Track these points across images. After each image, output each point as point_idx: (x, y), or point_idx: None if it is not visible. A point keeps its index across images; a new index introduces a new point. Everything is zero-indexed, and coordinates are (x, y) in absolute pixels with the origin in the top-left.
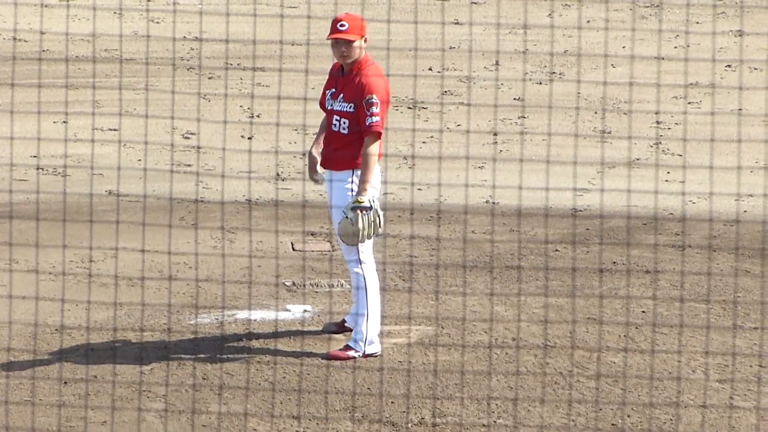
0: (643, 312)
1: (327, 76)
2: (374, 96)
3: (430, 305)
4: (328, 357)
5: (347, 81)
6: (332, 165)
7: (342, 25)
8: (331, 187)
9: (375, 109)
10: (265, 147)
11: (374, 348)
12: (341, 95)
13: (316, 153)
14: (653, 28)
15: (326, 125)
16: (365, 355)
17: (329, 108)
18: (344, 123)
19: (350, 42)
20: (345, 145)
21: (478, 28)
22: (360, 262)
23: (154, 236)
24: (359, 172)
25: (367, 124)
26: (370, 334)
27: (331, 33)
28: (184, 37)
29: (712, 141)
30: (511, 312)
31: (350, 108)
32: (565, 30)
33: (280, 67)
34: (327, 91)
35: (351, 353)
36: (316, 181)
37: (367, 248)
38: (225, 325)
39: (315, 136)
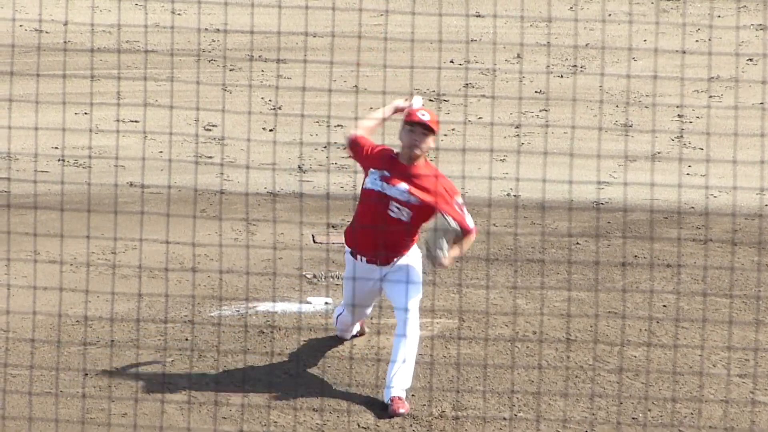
0: (665, 306)
1: (370, 148)
2: (460, 196)
3: (453, 298)
4: (393, 412)
5: (411, 172)
6: (395, 254)
7: (423, 114)
8: (389, 281)
9: (466, 209)
10: (287, 139)
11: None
12: (402, 185)
13: None
14: (675, 22)
15: (366, 211)
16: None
17: (378, 190)
18: (405, 212)
19: (431, 132)
20: (405, 231)
21: (500, 21)
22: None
23: (176, 228)
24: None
25: (471, 226)
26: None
27: (412, 116)
28: (206, 28)
29: (735, 135)
30: (533, 305)
31: (416, 201)
32: (587, 23)
33: (305, 58)
34: (374, 169)
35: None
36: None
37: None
38: (247, 317)
39: (373, 119)
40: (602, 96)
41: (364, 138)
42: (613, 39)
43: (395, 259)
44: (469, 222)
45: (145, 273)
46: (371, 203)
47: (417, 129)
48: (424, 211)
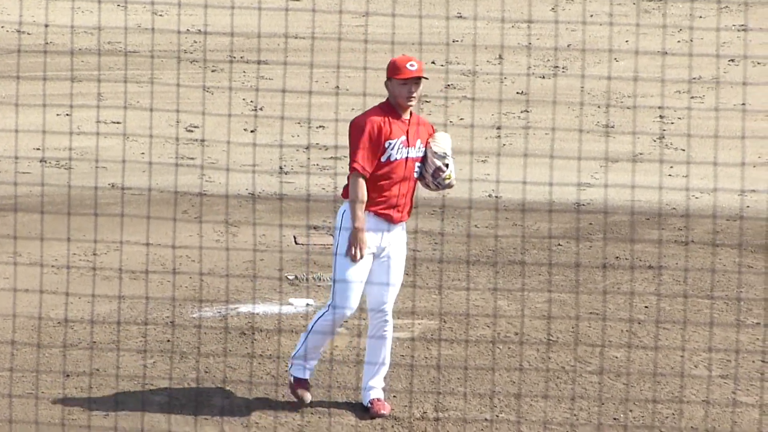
0: (646, 307)
1: (372, 130)
2: None
3: (433, 300)
4: (376, 413)
5: (413, 125)
6: (406, 216)
7: (412, 65)
8: (394, 241)
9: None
10: (268, 140)
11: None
12: (417, 140)
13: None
14: (657, 23)
15: (395, 178)
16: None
17: (404, 157)
18: (418, 167)
19: (421, 80)
20: (415, 187)
21: (481, 22)
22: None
23: (157, 229)
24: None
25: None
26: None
27: (408, 73)
28: (188, 29)
29: (716, 136)
30: (514, 307)
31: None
32: (569, 24)
33: (285, 60)
34: (392, 141)
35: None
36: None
37: None
38: (228, 319)
39: (358, 211)
40: (583, 97)
41: (369, 149)
42: (595, 40)
43: (407, 218)
44: None
45: (126, 275)
46: (401, 173)
47: (409, 81)
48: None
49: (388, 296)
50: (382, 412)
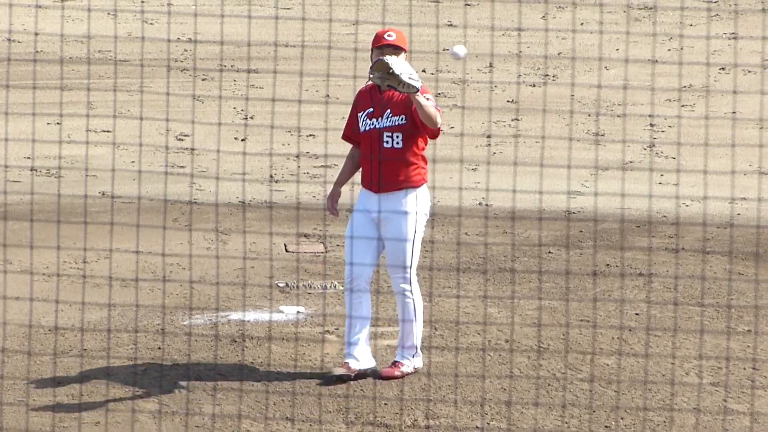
0: (637, 315)
1: (353, 108)
2: (431, 95)
3: (424, 307)
4: (381, 376)
5: (391, 96)
6: (391, 186)
7: (390, 35)
8: (383, 216)
9: (434, 100)
10: (258, 149)
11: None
12: (387, 111)
13: (340, 189)
14: (647, 31)
15: (365, 150)
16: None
17: (371, 128)
18: (398, 137)
19: (401, 50)
20: (401, 161)
21: (471, 30)
22: (411, 276)
23: (147, 237)
24: (414, 192)
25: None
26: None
27: (384, 42)
28: (178, 38)
29: (706, 144)
30: (505, 314)
31: (402, 121)
32: (559, 32)
33: (275, 68)
34: (360, 114)
35: (404, 369)
36: (335, 213)
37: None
38: (218, 326)
39: (340, 173)
40: (574, 105)
41: (348, 120)
42: (586, 48)
43: (395, 187)
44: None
45: (116, 282)
46: (368, 144)
47: (386, 51)
48: (414, 127)
49: (394, 253)
50: (395, 374)
